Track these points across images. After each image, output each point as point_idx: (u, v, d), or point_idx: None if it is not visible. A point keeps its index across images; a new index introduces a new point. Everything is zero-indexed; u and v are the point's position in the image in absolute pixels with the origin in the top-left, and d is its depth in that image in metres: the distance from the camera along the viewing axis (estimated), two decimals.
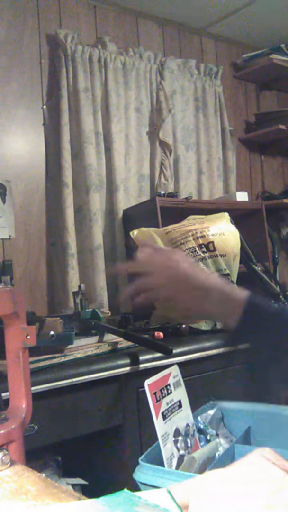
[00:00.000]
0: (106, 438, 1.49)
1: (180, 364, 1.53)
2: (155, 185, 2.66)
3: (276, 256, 3.06)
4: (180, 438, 0.60)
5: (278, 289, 2.02)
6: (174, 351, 1.47)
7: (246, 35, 3.13)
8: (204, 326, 1.87)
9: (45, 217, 2.36)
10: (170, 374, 0.62)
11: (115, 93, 2.50)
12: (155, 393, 0.57)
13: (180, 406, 0.62)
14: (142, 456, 0.56)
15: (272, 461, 0.43)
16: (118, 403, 1.44)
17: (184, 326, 1.81)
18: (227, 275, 1.95)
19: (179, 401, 0.62)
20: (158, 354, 1.48)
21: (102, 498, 0.41)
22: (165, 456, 0.56)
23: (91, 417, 1.40)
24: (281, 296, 1.98)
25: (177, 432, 0.60)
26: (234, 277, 1.99)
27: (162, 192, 2.45)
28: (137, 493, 0.42)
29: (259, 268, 2.12)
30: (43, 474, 0.54)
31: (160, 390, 0.58)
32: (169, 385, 0.60)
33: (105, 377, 1.40)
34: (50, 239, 2.36)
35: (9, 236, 2.23)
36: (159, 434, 0.57)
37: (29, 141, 2.35)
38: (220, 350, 1.67)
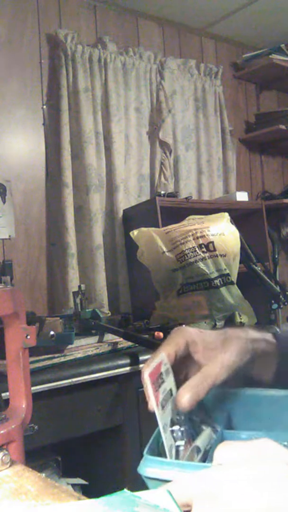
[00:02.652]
0: (106, 438, 1.49)
1: None
2: (155, 185, 2.66)
3: (276, 256, 3.06)
4: (176, 428, 0.60)
5: (278, 289, 2.02)
6: None
7: (246, 35, 3.13)
8: (204, 326, 1.87)
9: (45, 217, 2.36)
10: (161, 363, 0.61)
11: (115, 93, 2.50)
12: (153, 383, 0.57)
13: (171, 395, 0.62)
14: (146, 449, 0.55)
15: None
16: (118, 403, 1.44)
17: (184, 326, 1.81)
18: (227, 275, 1.96)
19: (170, 390, 0.62)
20: None
21: (102, 498, 0.40)
22: (166, 447, 0.56)
23: (91, 417, 1.40)
24: (281, 296, 1.98)
25: (172, 422, 0.60)
26: (234, 277, 1.99)
27: (162, 192, 2.45)
28: (137, 493, 0.42)
29: (259, 268, 2.11)
30: (43, 474, 0.54)
31: (156, 379, 0.58)
32: (161, 373, 0.60)
33: (105, 377, 1.40)
34: (50, 239, 2.35)
35: (9, 236, 2.23)
36: (160, 424, 0.56)
37: (29, 141, 2.35)
38: None
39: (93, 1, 2.58)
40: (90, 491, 1.40)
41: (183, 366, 0.65)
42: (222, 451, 0.47)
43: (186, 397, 0.58)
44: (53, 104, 2.38)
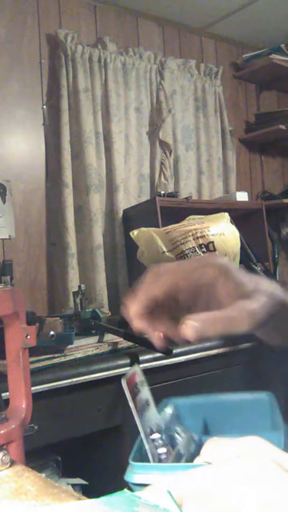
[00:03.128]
0: (106, 438, 1.48)
1: (180, 364, 1.53)
2: (155, 185, 2.66)
3: (276, 256, 3.06)
4: (156, 436, 0.60)
5: None
6: (174, 351, 1.47)
7: (246, 35, 3.13)
8: None
9: (45, 217, 2.36)
10: (135, 373, 0.62)
11: (115, 93, 2.50)
12: (130, 392, 0.57)
13: (147, 404, 0.62)
14: (131, 456, 0.55)
15: (278, 463, 0.43)
16: (118, 403, 1.44)
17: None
18: None
19: (147, 400, 0.62)
20: (158, 354, 1.48)
21: (102, 498, 0.40)
22: (149, 455, 0.56)
23: (91, 417, 1.40)
24: None
25: (151, 431, 0.60)
26: None
27: (162, 192, 2.45)
28: (137, 493, 0.42)
29: (259, 268, 2.11)
30: (43, 474, 0.54)
31: (133, 388, 0.58)
32: (136, 384, 0.61)
33: (105, 377, 1.39)
34: (50, 239, 2.36)
35: (9, 236, 2.23)
36: (141, 430, 0.57)
37: (29, 141, 2.35)
38: (220, 350, 1.67)
39: (93, 1, 2.58)
40: (90, 491, 1.40)
41: (202, 296, 0.55)
42: (211, 447, 0.47)
43: (193, 326, 0.49)
44: (53, 104, 2.38)
